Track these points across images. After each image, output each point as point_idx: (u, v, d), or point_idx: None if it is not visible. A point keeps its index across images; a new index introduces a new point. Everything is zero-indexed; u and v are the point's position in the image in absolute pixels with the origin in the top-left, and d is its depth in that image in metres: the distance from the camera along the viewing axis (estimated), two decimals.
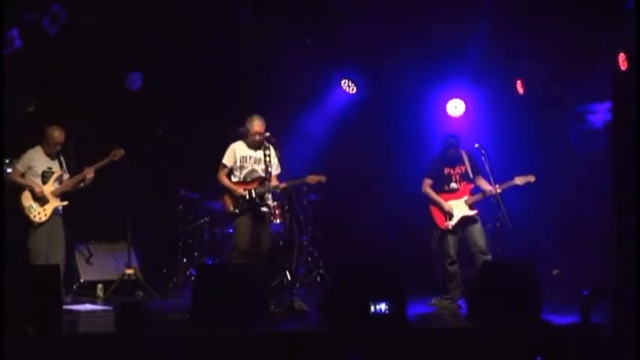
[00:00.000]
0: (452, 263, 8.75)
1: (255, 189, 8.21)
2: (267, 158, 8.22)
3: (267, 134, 8.24)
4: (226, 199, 8.30)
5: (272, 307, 7.91)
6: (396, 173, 10.64)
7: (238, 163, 8.29)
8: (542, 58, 9.84)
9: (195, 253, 10.42)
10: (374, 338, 6.74)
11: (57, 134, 8.48)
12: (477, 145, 8.78)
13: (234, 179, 8.31)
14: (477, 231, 8.72)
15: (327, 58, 10.80)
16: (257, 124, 8.23)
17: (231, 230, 9.31)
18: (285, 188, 8.27)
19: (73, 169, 8.71)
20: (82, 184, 8.65)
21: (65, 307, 7.77)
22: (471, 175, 8.83)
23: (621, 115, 7.63)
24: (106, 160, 8.72)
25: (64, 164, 8.65)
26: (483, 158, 8.71)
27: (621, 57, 8.49)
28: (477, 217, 8.77)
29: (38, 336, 6.39)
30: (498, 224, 8.68)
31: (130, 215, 9.44)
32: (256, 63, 10.48)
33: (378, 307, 7.14)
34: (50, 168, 8.56)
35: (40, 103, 9.80)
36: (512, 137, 10.12)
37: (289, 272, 9.47)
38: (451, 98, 10.69)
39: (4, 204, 7.86)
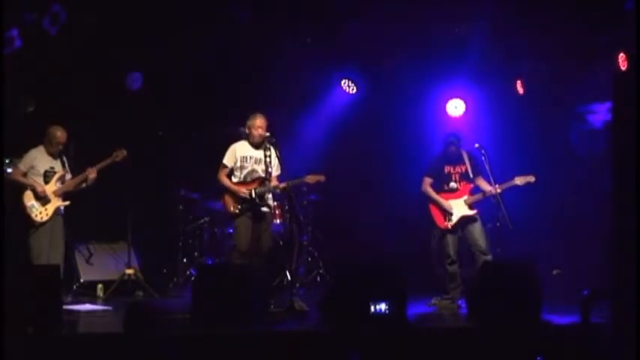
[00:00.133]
0: (452, 263, 8.76)
1: (255, 189, 8.21)
2: (268, 158, 8.23)
3: (268, 134, 8.25)
4: (226, 199, 8.31)
5: (272, 307, 7.89)
6: (396, 173, 10.64)
7: (238, 163, 8.30)
8: (542, 58, 9.84)
9: (195, 253, 10.42)
10: (374, 338, 6.73)
11: (59, 134, 8.49)
12: (477, 145, 8.79)
13: (234, 179, 8.31)
14: (477, 231, 8.72)
15: (327, 58, 10.79)
16: (259, 120, 8.27)
17: (231, 230, 9.31)
18: (284, 188, 8.27)
19: (74, 168, 8.72)
20: (84, 185, 8.65)
21: (65, 307, 7.76)
22: (471, 175, 8.83)
23: (621, 115, 7.60)
24: (108, 161, 8.72)
25: (66, 164, 8.65)
26: (483, 158, 8.71)
27: (621, 57, 8.49)
28: (477, 217, 8.77)
29: (38, 336, 6.38)
30: (498, 224, 8.69)
31: (130, 215, 9.43)
32: (256, 63, 10.47)
33: (378, 307, 7.13)
34: (52, 168, 8.56)
35: (40, 103, 9.80)
36: (512, 137, 10.11)
37: (289, 272, 9.47)
38: (451, 98, 10.68)
39: (5, 204, 7.86)
